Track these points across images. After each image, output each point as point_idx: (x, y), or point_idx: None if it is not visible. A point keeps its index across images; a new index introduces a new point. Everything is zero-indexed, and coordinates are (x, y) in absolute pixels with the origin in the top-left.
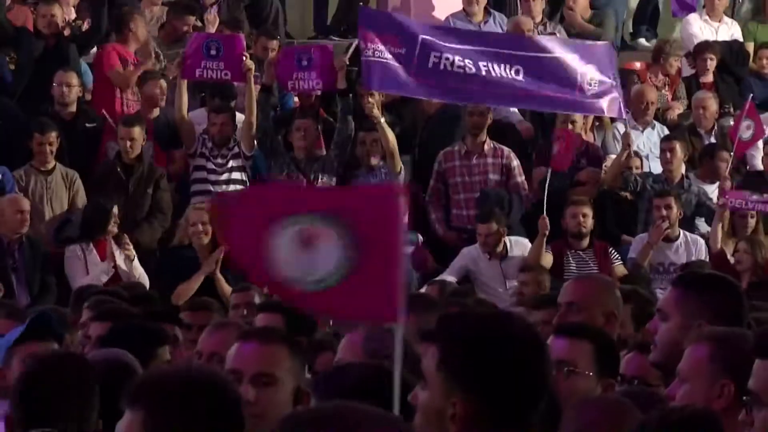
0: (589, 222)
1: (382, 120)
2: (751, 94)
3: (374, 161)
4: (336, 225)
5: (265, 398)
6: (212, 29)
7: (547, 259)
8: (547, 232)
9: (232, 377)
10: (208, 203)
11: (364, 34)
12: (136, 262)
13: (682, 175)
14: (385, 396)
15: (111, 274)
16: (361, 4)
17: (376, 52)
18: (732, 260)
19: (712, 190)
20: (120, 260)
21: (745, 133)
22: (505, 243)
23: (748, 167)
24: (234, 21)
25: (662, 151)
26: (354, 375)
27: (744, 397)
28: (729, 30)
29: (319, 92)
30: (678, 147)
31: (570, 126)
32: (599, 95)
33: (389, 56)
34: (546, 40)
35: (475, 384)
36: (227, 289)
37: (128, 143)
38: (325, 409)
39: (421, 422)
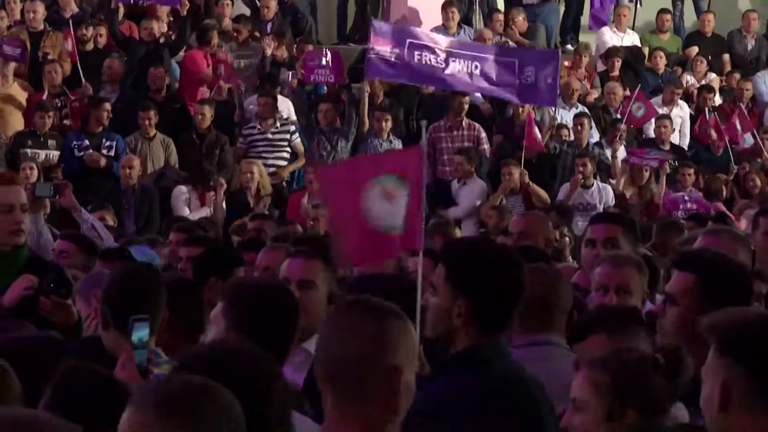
0: (516, 177)
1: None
2: (640, 85)
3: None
4: (401, 185)
5: (307, 298)
6: (269, 47)
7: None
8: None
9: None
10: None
11: (373, 38)
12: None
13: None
14: (404, 298)
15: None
16: (373, 18)
17: (379, 52)
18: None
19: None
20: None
21: (637, 112)
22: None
23: (644, 135)
24: (280, 33)
25: (574, 124)
26: (381, 281)
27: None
28: (631, 38)
29: (332, 82)
30: (586, 122)
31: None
32: (533, 89)
33: (387, 54)
34: (498, 48)
35: (473, 291)
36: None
37: (200, 117)
38: None
39: (432, 318)
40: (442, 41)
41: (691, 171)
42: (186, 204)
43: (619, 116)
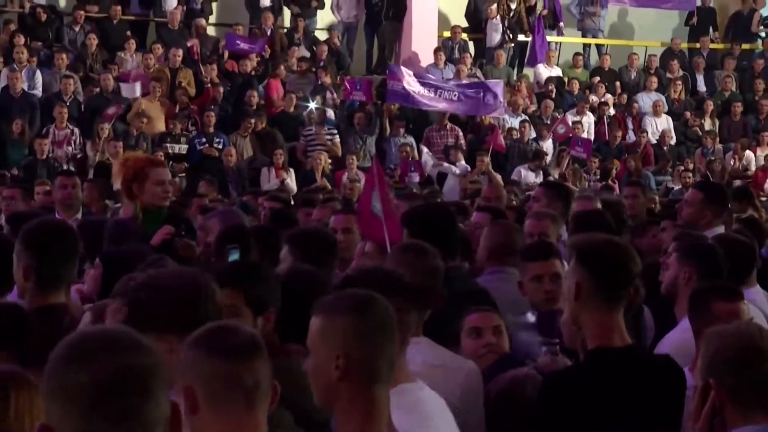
0: (485, 162)
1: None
2: (564, 113)
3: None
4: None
5: (348, 239)
6: (326, 76)
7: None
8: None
9: (332, 230)
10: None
11: (390, 75)
12: (290, 179)
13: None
14: None
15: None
16: (389, 62)
17: (394, 84)
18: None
19: (548, 146)
20: (286, 177)
21: (560, 131)
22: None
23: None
24: (325, 68)
25: (519, 127)
26: None
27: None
28: (556, 71)
29: (363, 99)
30: (527, 126)
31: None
32: (490, 105)
33: (400, 87)
34: (467, 83)
35: (428, 235)
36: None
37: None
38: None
39: None
40: (436, 79)
41: (597, 160)
42: (267, 180)
43: (549, 122)
